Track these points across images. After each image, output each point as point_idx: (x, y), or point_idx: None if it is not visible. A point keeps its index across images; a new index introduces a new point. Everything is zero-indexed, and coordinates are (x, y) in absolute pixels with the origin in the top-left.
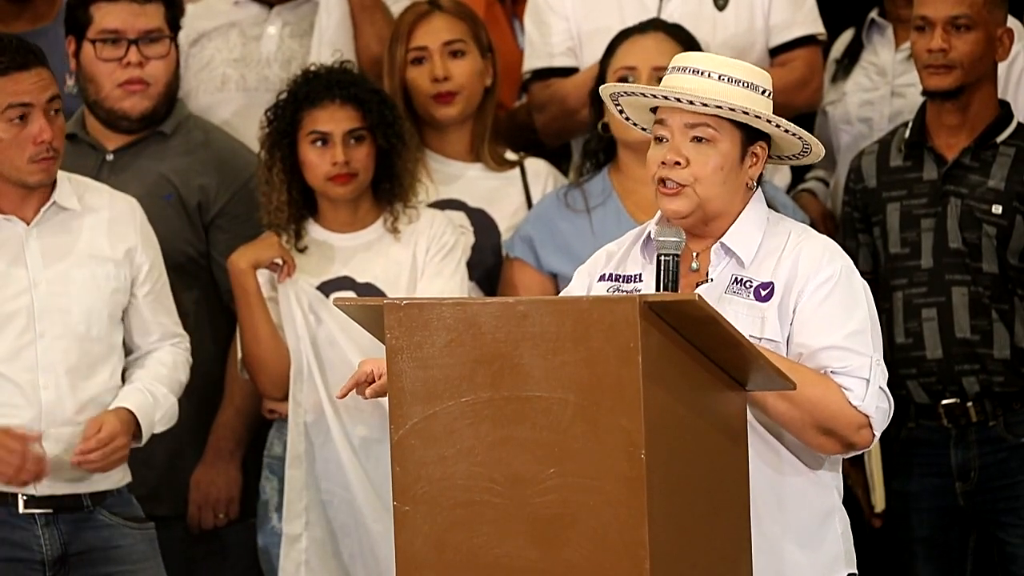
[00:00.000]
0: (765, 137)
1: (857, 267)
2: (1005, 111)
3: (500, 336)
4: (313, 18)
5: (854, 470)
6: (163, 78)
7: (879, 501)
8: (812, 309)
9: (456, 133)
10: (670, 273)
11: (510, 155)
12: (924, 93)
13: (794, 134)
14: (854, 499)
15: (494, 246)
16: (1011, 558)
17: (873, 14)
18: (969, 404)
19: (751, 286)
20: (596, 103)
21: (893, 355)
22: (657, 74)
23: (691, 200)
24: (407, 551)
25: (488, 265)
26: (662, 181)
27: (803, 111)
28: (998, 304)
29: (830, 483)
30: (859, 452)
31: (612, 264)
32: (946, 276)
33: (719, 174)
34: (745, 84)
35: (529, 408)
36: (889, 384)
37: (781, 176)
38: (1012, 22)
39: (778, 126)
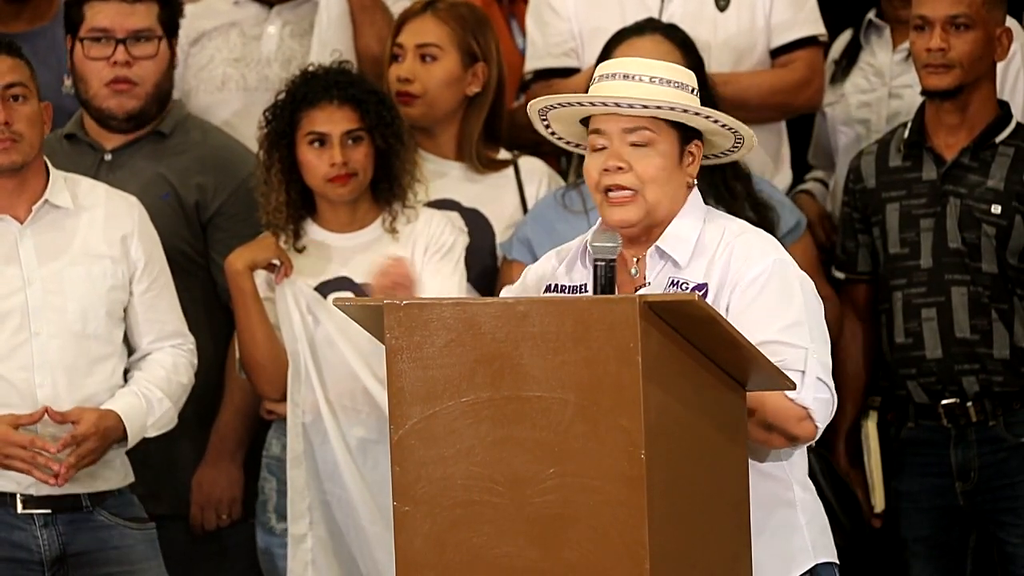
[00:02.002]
0: (698, 135)
1: (856, 267)
2: (1004, 111)
3: (500, 336)
4: (313, 18)
5: (854, 470)
6: (151, 78)
7: (879, 501)
8: (745, 306)
9: (445, 134)
10: (604, 279)
11: (504, 154)
12: (923, 93)
13: (728, 127)
14: (854, 499)
15: (489, 247)
16: (1011, 558)
17: (871, 15)
18: (969, 404)
19: (687, 287)
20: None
21: (893, 355)
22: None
23: (640, 207)
24: (407, 551)
25: (483, 266)
26: (607, 190)
27: (804, 112)
28: (997, 304)
29: (784, 475)
30: (804, 444)
31: (560, 271)
32: (945, 276)
33: (662, 175)
34: (675, 84)
35: (529, 408)
36: (889, 384)
37: (782, 176)
38: (1011, 23)
39: (715, 121)
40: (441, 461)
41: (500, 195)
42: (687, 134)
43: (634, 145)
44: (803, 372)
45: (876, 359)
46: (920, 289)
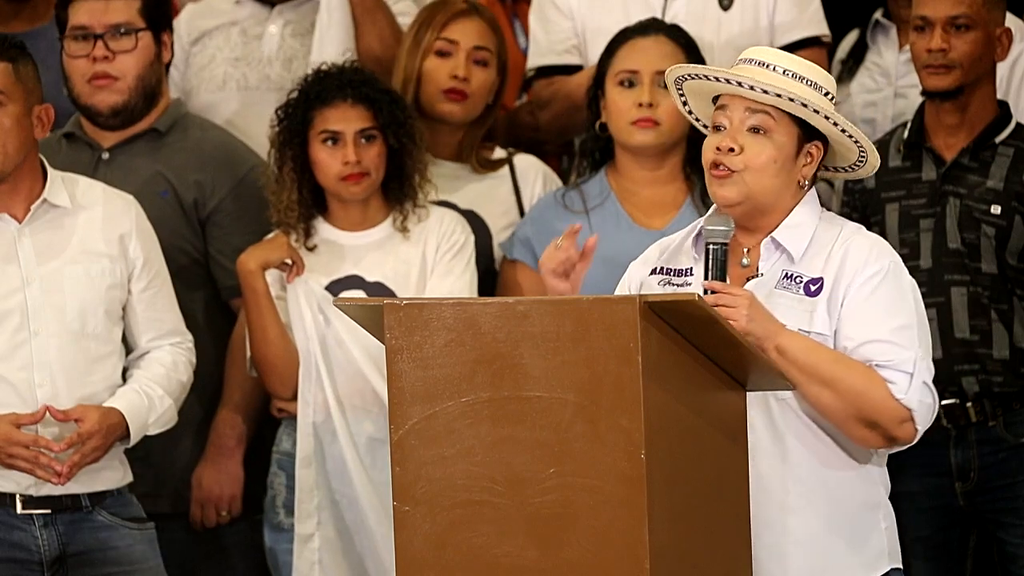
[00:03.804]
0: (821, 138)
1: None
2: (1004, 111)
3: (500, 336)
4: (314, 17)
5: None
6: (132, 71)
7: None
8: (858, 303)
9: (448, 135)
10: (717, 262)
11: (499, 152)
12: (923, 93)
13: (849, 135)
14: None
15: (485, 248)
16: (1011, 558)
17: (877, 15)
18: (968, 404)
19: (801, 281)
20: (593, 103)
21: None
22: (659, 78)
23: (740, 187)
24: (407, 551)
25: (480, 268)
26: (714, 165)
27: None
28: (997, 304)
29: (877, 479)
30: (902, 447)
31: (664, 257)
32: (945, 276)
33: (771, 166)
34: (809, 82)
35: (529, 408)
36: None
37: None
38: (1016, 23)
39: (835, 124)
40: (441, 461)
41: (496, 194)
42: (808, 133)
43: (752, 130)
44: (911, 375)
45: None
46: (920, 289)
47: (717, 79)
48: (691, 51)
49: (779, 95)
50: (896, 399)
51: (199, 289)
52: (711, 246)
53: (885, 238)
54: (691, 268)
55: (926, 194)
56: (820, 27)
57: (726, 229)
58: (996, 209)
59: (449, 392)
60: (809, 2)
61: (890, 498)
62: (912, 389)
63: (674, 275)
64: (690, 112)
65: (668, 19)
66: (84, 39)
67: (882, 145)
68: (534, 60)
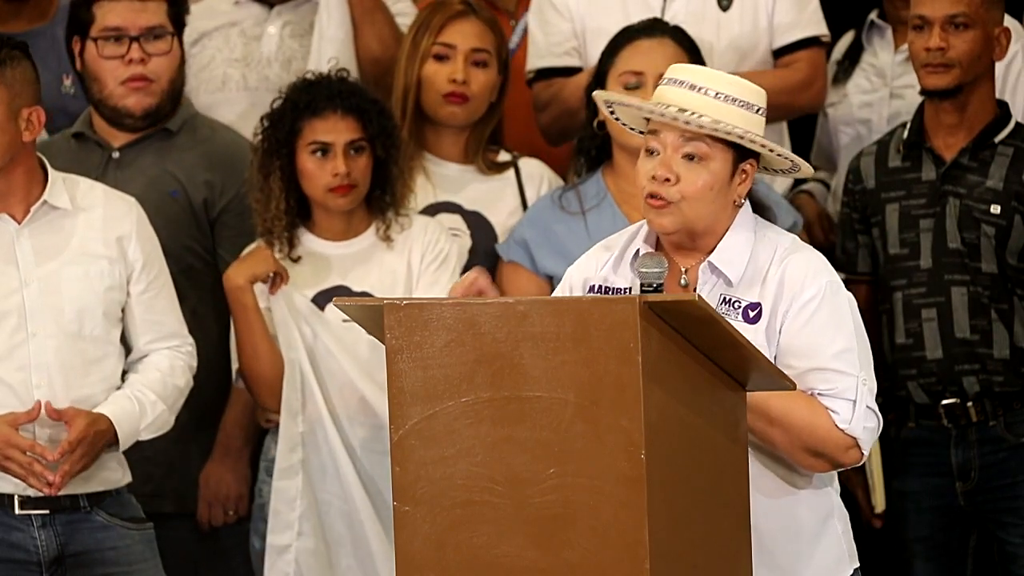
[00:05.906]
0: (755, 154)
1: (856, 268)
2: (1003, 111)
3: (500, 336)
4: (313, 18)
5: (854, 471)
6: (166, 75)
7: (879, 501)
8: (797, 330)
9: (453, 136)
10: None
11: (504, 155)
12: (922, 92)
13: (784, 157)
14: (854, 499)
15: (491, 249)
16: (1011, 558)
17: (873, 16)
18: (969, 404)
19: (739, 307)
20: (592, 101)
21: (893, 355)
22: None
23: (678, 217)
24: (407, 551)
25: (487, 268)
26: (650, 195)
27: (806, 112)
28: (997, 304)
29: (827, 485)
30: (847, 468)
31: (601, 274)
32: (945, 276)
33: (708, 193)
34: (740, 103)
35: (529, 408)
36: (889, 384)
37: (782, 178)
38: (1012, 23)
39: (771, 150)
40: (441, 461)
41: (501, 197)
42: (743, 153)
43: (687, 156)
44: (854, 402)
45: (877, 360)
46: (920, 289)
47: (651, 111)
48: (694, 54)
49: (715, 128)
50: (840, 428)
51: (208, 289)
52: (646, 288)
53: (885, 238)
54: (629, 288)
55: (926, 194)
56: (819, 27)
57: (660, 271)
58: (996, 209)
59: (449, 392)
60: (808, 2)
61: (890, 498)
62: (856, 418)
63: (612, 294)
64: (617, 119)
65: (667, 19)
66: (118, 41)
67: (882, 145)
68: (533, 62)
